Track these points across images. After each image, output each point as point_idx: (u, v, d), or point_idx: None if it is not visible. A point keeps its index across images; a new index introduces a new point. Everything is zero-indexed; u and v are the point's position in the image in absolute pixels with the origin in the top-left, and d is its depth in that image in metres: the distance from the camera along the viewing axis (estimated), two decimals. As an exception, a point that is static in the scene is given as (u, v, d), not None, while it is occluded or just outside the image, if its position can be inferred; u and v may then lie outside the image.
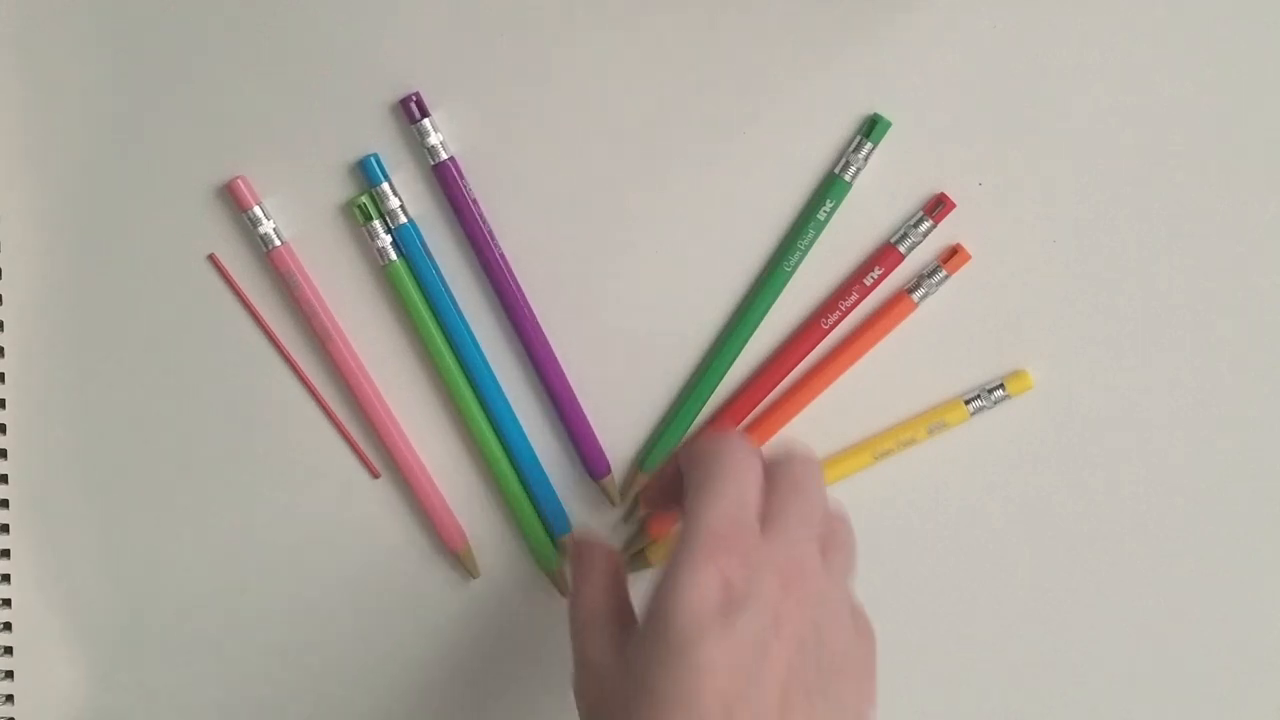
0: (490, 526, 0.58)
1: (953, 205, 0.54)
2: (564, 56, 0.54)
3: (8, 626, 0.58)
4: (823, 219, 0.54)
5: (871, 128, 0.54)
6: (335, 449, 0.57)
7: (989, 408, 0.56)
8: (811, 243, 0.54)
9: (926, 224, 0.54)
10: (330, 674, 0.58)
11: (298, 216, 0.56)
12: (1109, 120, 0.54)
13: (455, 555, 0.57)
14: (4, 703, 0.58)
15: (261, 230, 0.55)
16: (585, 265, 0.56)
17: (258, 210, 0.55)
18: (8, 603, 0.58)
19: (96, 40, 0.55)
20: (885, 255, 0.55)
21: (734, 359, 0.56)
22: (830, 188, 0.54)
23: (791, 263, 0.55)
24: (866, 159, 0.54)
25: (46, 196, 0.56)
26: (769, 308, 0.55)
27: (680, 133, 0.55)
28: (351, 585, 0.58)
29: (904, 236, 0.55)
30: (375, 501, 0.57)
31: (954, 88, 0.54)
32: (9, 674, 0.58)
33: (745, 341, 0.56)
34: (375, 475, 0.57)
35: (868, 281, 0.55)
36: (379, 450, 0.57)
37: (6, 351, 0.56)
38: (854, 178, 0.54)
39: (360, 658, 0.58)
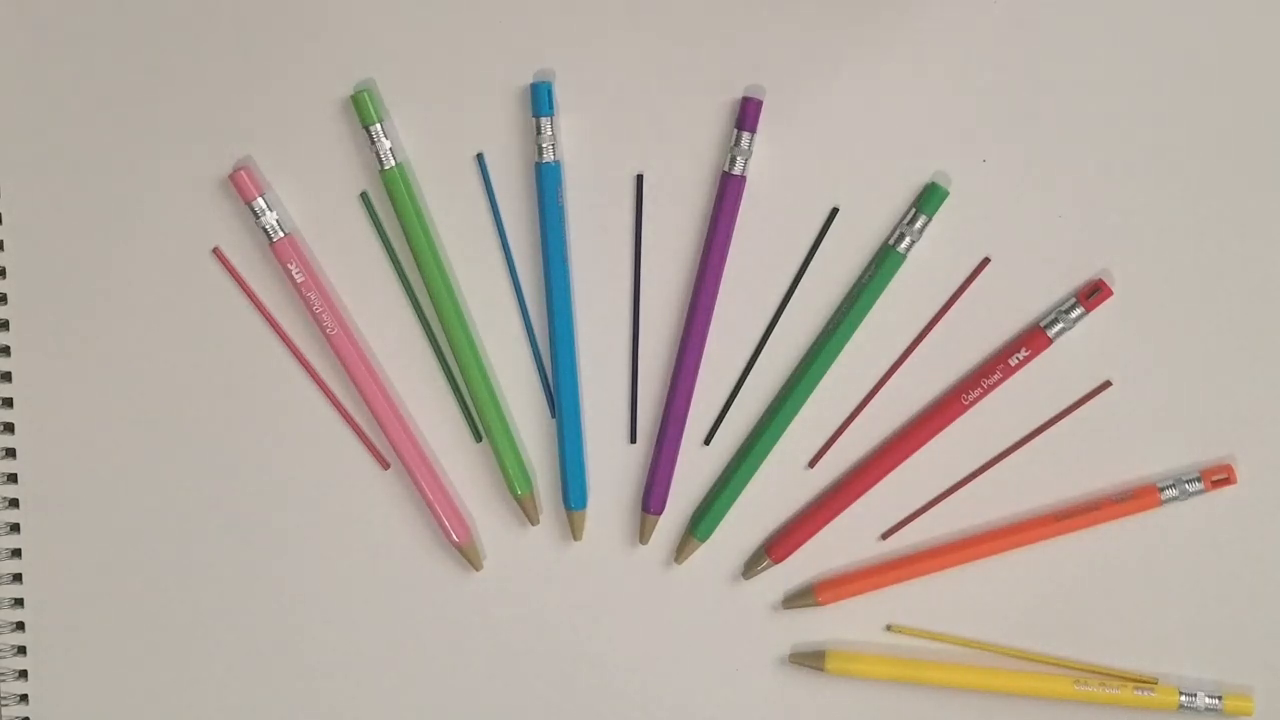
0: (495, 519, 0.57)
1: (1109, 293, 0.53)
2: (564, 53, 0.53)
3: (20, 626, 0.58)
4: (874, 286, 0.54)
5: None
6: (344, 441, 0.57)
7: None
8: (866, 306, 0.54)
9: (1078, 310, 0.53)
10: (335, 665, 0.58)
11: (304, 206, 0.55)
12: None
13: (458, 548, 0.56)
14: (19, 702, 0.58)
15: (264, 221, 0.54)
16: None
17: (261, 201, 0.54)
18: (20, 602, 0.58)
19: (98, 33, 0.55)
20: (1033, 338, 0.53)
21: (786, 426, 0.55)
22: (884, 259, 0.54)
23: (848, 328, 0.54)
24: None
25: (50, 195, 0.56)
26: (825, 371, 0.55)
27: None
28: (356, 576, 0.57)
29: (1054, 321, 0.53)
30: (384, 493, 0.57)
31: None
32: (23, 674, 0.58)
33: (798, 408, 0.55)
34: (385, 467, 0.57)
35: (1013, 362, 0.53)
36: (385, 442, 0.56)
37: (13, 350, 0.57)
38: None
39: (363, 649, 0.58)
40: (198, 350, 0.56)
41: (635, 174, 0.54)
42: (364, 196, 0.55)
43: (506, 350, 0.56)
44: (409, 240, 0.54)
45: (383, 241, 0.55)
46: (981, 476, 0.55)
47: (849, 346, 0.54)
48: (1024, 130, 0.53)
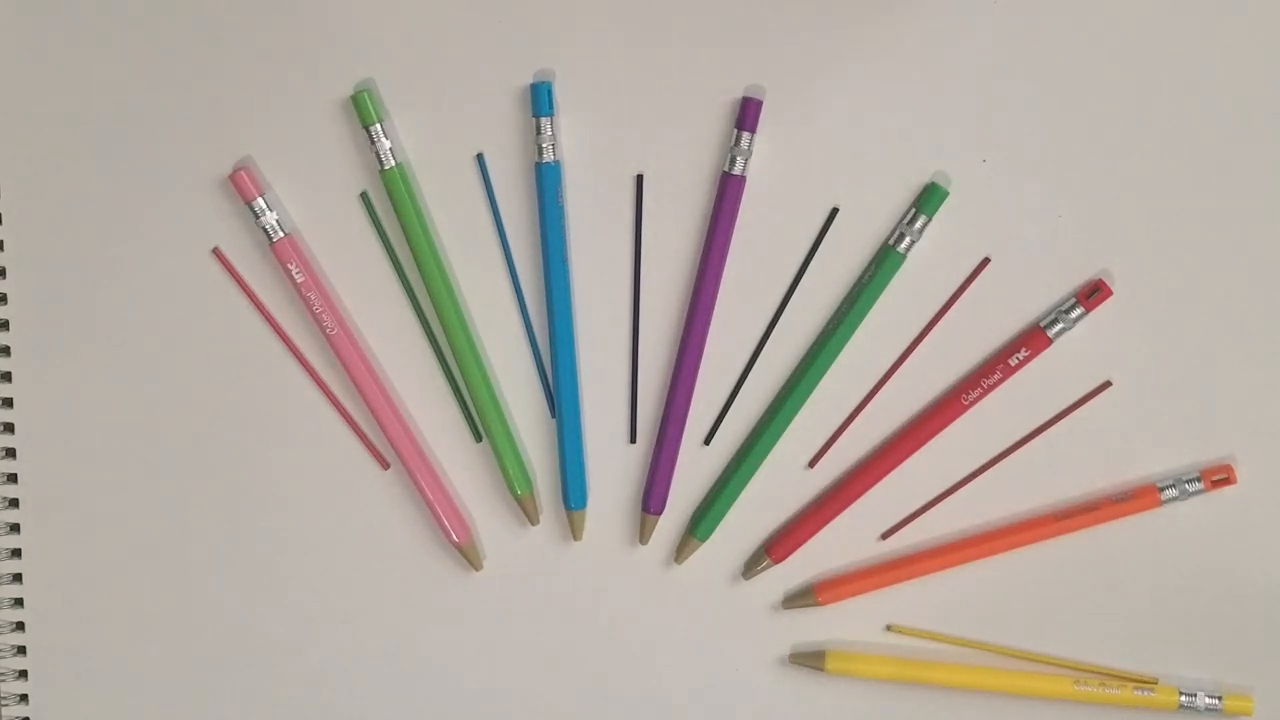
0: (495, 519, 0.57)
1: (1109, 293, 0.53)
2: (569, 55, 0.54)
3: (20, 626, 0.58)
4: (874, 286, 0.54)
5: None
6: (344, 441, 0.57)
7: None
8: (866, 306, 0.54)
9: (1078, 310, 0.53)
10: (335, 665, 0.58)
11: (304, 206, 0.55)
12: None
13: (458, 548, 0.56)
14: (19, 702, 0.58)
15: (264, 222, 0.54)
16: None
17: (261, 202, 0.54)
18: (20, 602, 0.58)
19: (98, 34, 0.55)
20: (1033, 338, 0.53)
21: (786, 426, 0.55)
22: (884, 259, 0.54)
23: (848, 328, 0.54)
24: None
25: (50, 195, 0.56)
26: (825, 371, 0.55)
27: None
28: (356, 576, 0.57)
29: (1054, 321, 0.53)
30: (384, 493, 0.57)
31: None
32: (23, 674, 0.58)
33: (798, 408, 0.55)
34: (385, 467, 0.57)
35: (1013, 362, 0.53)
36: (385, 442, 0.56)
37: (13, 350, 0.57)
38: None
39: (364, 649, 0.58)
40: (198, 350, 0.56)
41: (635, 174, 0.54)
42: (364, 196, 0.55)
43: (506, 350, 0.56)
44: (409, 240, 0.54)
45: (383, 241, 0.55)
46: (981, 476, 0.55)
47: (849, 346, 0.54)
48: (1024, 130, 0.53)
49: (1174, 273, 0.54)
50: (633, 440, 0.56)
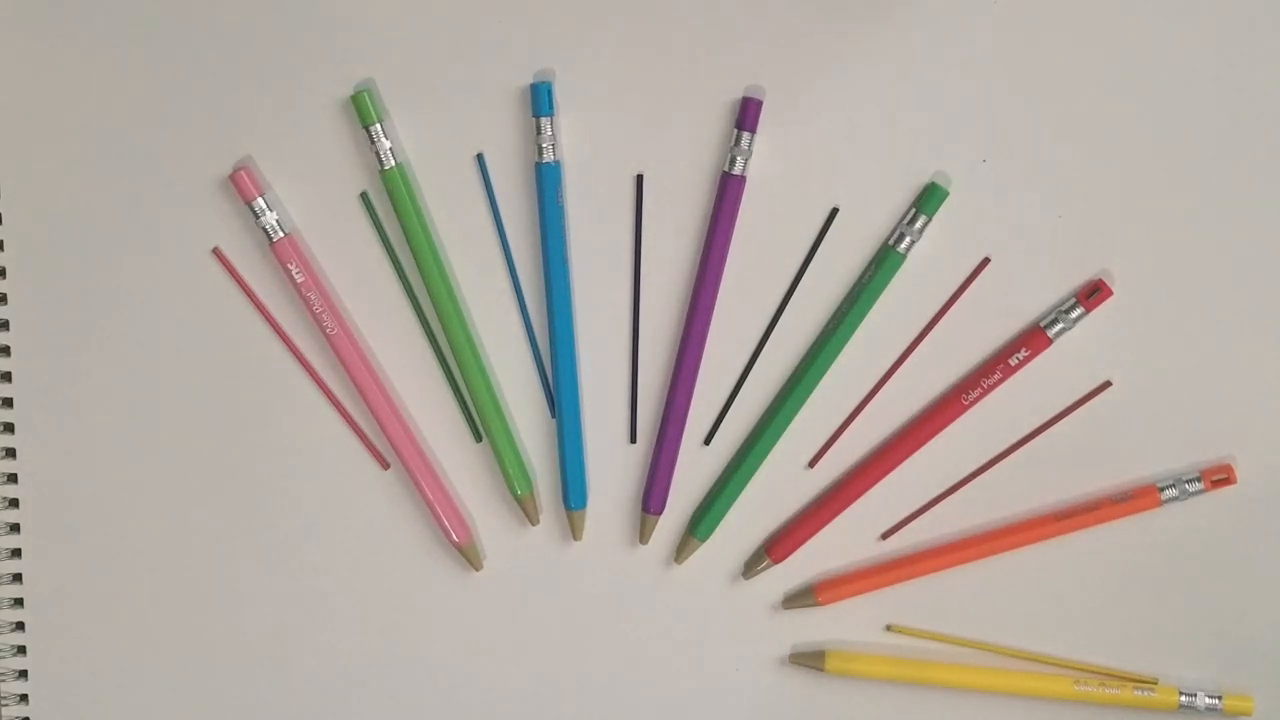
0: (495, 519, 0.57)
1: (1109, 293, 0.53)
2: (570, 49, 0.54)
3: (21, 626, 0.58)
4: (874, 287, 0.54)
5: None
6: (344, 441, 0.57)
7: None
8: (866, 306, 0.54)
9: (1078, 310, 0.53)
10: (334, 665, 0.58)
11: (304, 206, 0.55)
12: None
13: (458, 548, 0.56)
14: (19, 702, 0.58)
15: (264, 222, 0.54)
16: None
17: (261, 202, 0.54)
18: (20, 602, 0.58)
19: (98, 34, 0.55)
20: (1033, 338, 0.53)
21: (786, 426, 0.55)
22: (884, 259, 0.53)
23: (848, 329, 0.54)
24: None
25: (50, 195, 0.56)
26: (825, 371, 0.55)
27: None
28: (356, 576, 0.57)
29: (1054, 321, 0.53)
30: (384, 493, 0.57)
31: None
32: (23, 674, 0.58)
33: (798, 408, 0.55)
34: (385, 467, 0.57)
35: (1013, 362, 0.53)
36: (386, 442, 0.56)
37: (13, 350, 0.57)
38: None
39: (363, 649, 0.58)
40: (198, 350, 0.56)
41: (635, 174, 0.54)
42: (364, 196, 0.55)
43: (506, 350, 0.56)
44: (409, 240, 0.54)
45: (383, 241, 0.55)
46: (981, 476, 0.55)
47: (849, 346, 0.54)
48: (1024, 130, 0.53)
49: (1174, 273, 0.54)
50: (633, 440, 0.56)
